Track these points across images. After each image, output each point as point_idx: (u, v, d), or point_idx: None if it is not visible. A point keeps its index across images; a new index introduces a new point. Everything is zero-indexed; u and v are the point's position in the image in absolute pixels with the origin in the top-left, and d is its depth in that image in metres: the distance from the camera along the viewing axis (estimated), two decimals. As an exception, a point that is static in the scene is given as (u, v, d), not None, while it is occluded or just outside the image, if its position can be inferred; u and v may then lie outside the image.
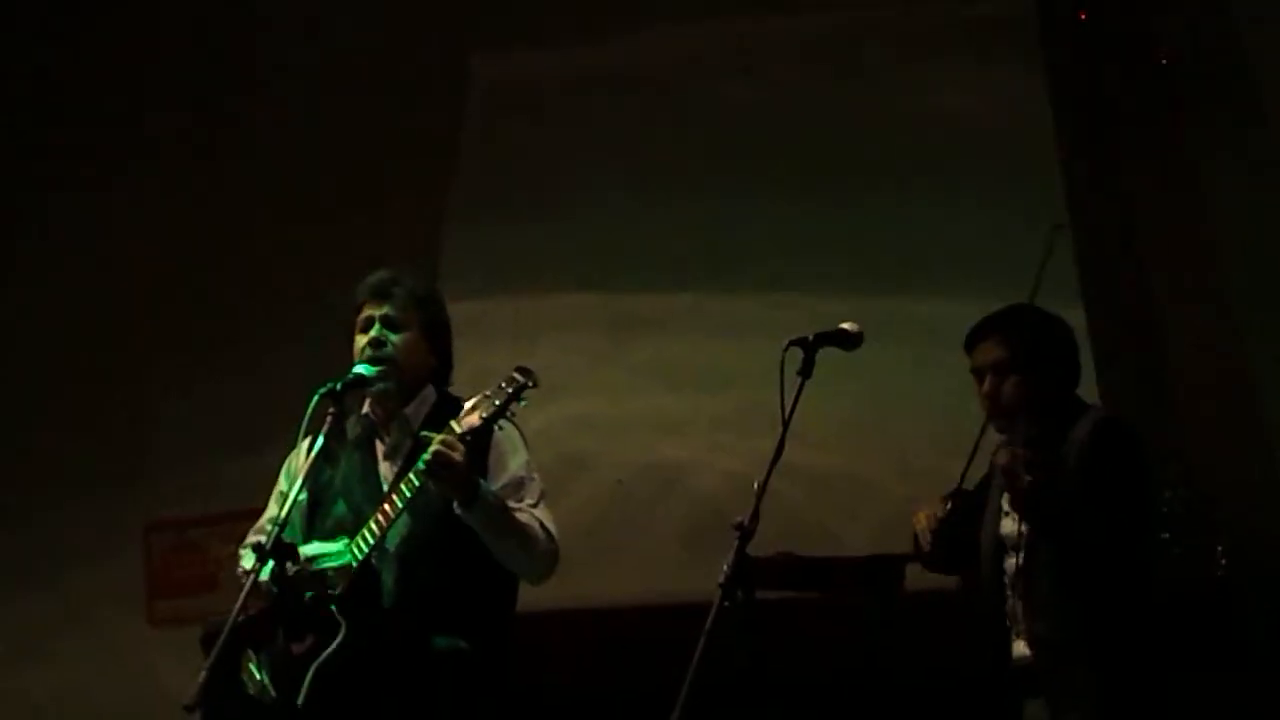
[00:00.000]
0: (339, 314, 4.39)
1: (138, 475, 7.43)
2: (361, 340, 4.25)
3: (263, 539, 3.96)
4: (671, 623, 3.98)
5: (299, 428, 4.08)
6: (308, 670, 4.01)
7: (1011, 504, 4.09)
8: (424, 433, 4.13)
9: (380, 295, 4.28)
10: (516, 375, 4.19)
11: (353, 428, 4.29)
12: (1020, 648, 4.08)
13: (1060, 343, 4.21)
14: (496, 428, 4.14)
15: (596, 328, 6.98)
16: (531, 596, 6.39)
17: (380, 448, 4.27)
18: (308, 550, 4.09)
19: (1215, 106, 6.71)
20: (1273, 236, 6.54)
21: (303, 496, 4.18)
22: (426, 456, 4.02)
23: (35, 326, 7.77)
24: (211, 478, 7.09)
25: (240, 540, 4.32)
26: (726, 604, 3.68)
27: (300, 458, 4.21)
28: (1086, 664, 3.95)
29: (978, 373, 4.20)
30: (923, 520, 4.21)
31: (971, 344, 4.23)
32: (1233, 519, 6.14)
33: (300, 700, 3.98)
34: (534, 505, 4.27)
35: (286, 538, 4.07)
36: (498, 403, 4.13)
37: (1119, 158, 6.78)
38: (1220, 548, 6.02)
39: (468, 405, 4.13)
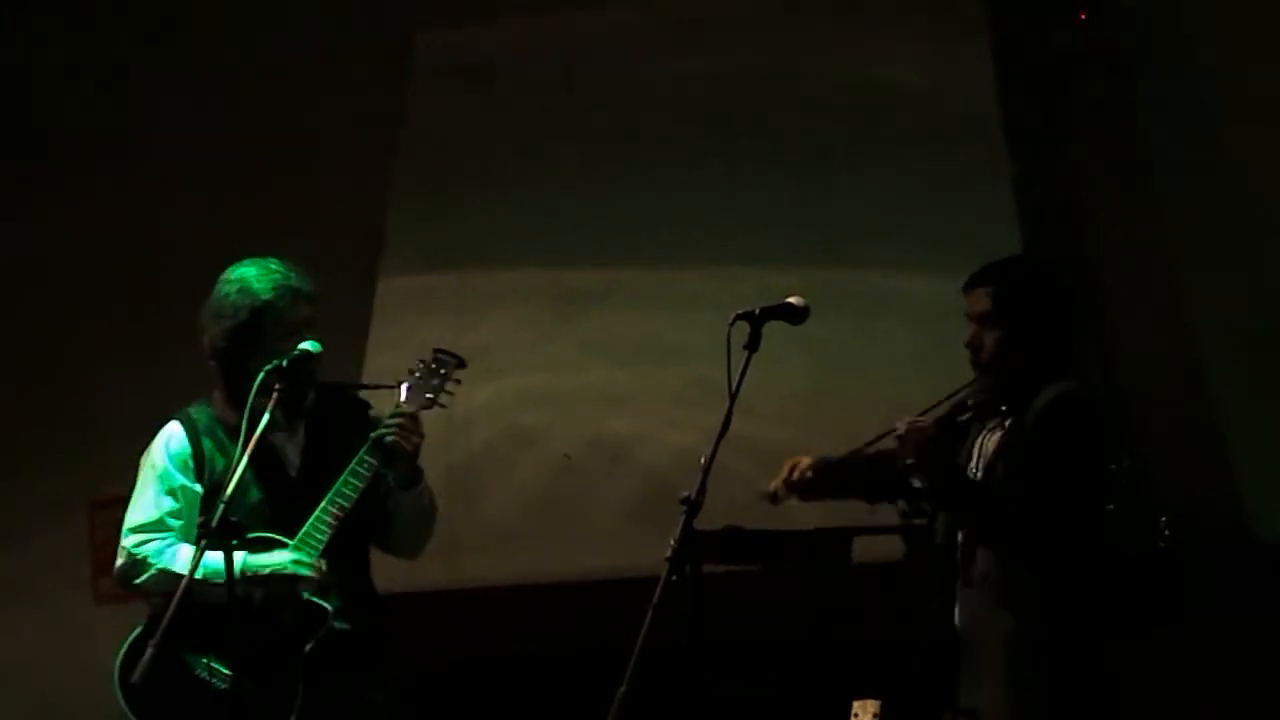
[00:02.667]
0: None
1: (82, 452, 7.38)
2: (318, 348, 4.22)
3: (206, 519, 3.93)
4: (619, 597, 3.99)
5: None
6: (286, 657, 4.00)
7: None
8: (376, 415, 4.19)
9: (311, 298, 4.26)
10: (441, 357, 4.26)
11: (229, 414, 4.24)
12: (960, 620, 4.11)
13: (1048, 301, 4.17)
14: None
15: (543, 302, 6.96)
16: (479, 571, 6.44)
17: (275, 436, 4.22)
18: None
19: (1160, 79, 6.75)
20: (1219, 209, 6.59)
21: (197, 486, 4.18)
22: (391, 438, 4.08)
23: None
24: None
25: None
26: (674, 578, 3.68)
27: (182, 446, 4.20)
28: (1001, 639, 3.97)
29: (969, 319, 4.20)
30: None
31: (966, 290, 4.23)
32: (1177, 490, 6.19)
33: (300, 689, 3.98)
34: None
35: (176, 524, 4.12)
36: (429, 393, 4.22)
37: (1065, 129, 6.80)
38: (1164, 519, 6.07)
39: (404, 391, 4.16)
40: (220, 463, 4.20)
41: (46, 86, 7.77)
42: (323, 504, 4.10)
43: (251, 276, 4.22)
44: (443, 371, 4.26)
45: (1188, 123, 6.66)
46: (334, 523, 4.08)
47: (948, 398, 4.21)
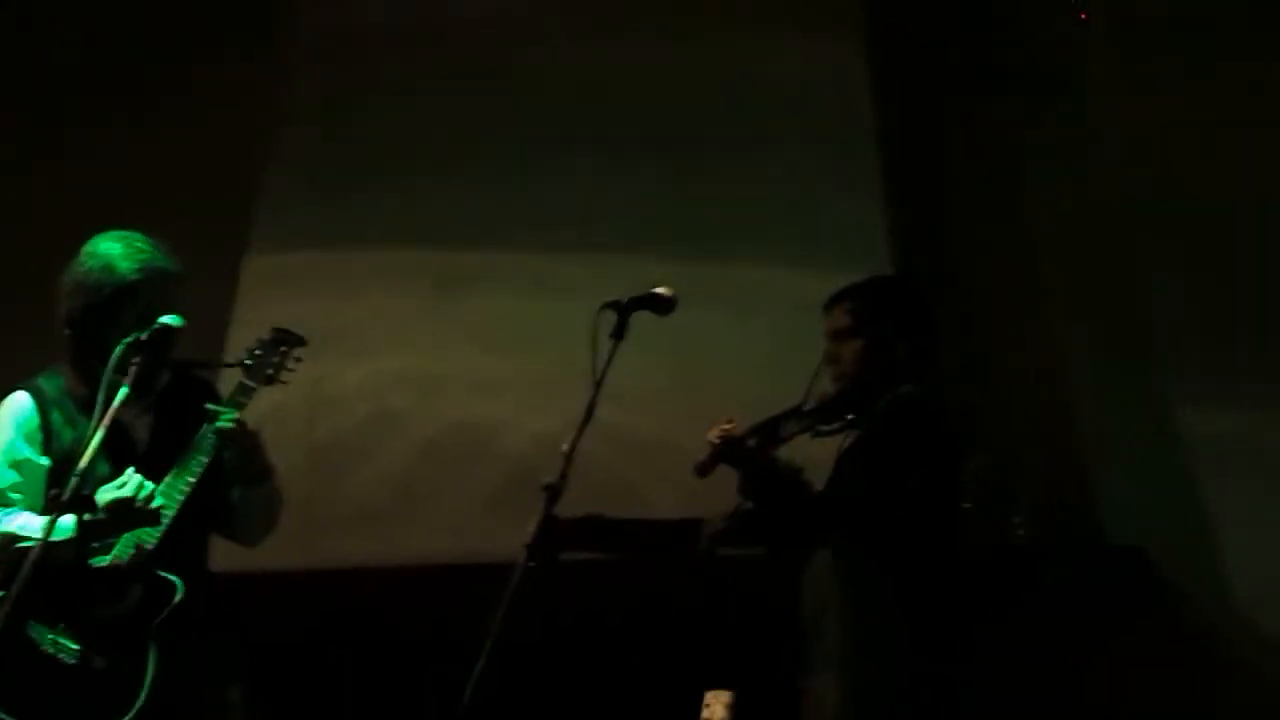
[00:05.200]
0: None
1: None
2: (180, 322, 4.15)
3: (58, 491, 3.86)
4: (478, 582, 3.98)
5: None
6: (135, 632, 3.94)
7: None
8: (210, 406, 4.08)
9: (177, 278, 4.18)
10: (280, 335, 4.22)
11: (76, 386, 4.14)
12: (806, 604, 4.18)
13: (906, 314, 4.28)
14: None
15: (414, 286, 6.92)
16: (340, 552, 6.40)
17: (122, 411, 4.08)
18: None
19: (1036, 91, 6.85)
20: (1084, 214, 6.70)
21: (43, 460, 4.11)
22: (225, 427, 4.02)
23: None
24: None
25: None
26: (531, 564, 3.69)
27: (29, 417, 4.13)
28: (841, 634, 4.04)
29: (827, 337, 4.28)
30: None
31: (825, 310, 4.33)
32: (1032, 490, 6.29)
33: (151, 662, 3.92)
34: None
35: (23, 503, 4.05)
36: (269, 370, 4.16)
37: (937, 132, 6.89)
38: (1017, 519, 6.17)
39: (243, 374, 4.12)
40: (69, 435, 4.12)
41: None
42: (160, 491, 4.03)
43: (117, 254, 4.11)
44: (282, 349, 4.21)
45: (1063, 132, 6.77)
46: (174, 511, 4.01)
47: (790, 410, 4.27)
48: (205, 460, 4.04)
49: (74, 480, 3.77)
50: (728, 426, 4.14)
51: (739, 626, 5.58)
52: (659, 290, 4.04)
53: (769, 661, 4.20)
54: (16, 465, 4.13)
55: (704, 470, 4.17)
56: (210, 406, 4.08)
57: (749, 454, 4.13)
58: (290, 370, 4.22)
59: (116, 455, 4.08)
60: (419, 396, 6.77)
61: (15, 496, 4.10)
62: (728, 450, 4.11)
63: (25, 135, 7.32)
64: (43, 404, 4.13)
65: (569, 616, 3.75)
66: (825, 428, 4.24)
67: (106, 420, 3.85)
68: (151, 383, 4.15)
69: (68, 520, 3.86)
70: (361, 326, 6.82)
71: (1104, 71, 6.70)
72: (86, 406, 3.97)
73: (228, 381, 4.23)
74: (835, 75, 6.82)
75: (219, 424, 4.04)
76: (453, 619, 4.77)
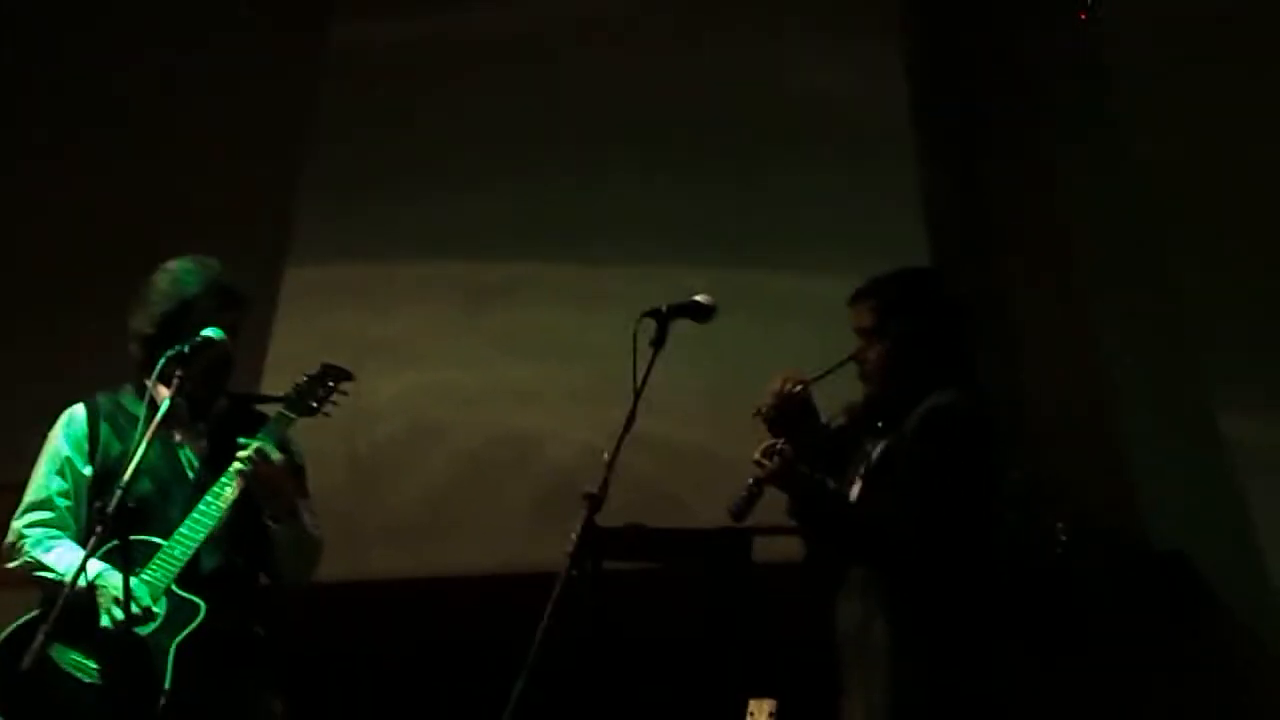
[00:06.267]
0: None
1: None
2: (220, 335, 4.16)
3: (102, 504, 3.88)
4: (520, 592, 3.98)
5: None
6: (155, 651, 3.94)
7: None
8: (241, 439, 4.10)
9: (233, 303, 4.22)
10: (329, 370, 4.26)
11: (132, 404, 4.19)
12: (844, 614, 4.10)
13: (932, 313, 4.11)
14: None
15: (452, 297, 6.94)
16: (384, 565, 6.41)
17: (177, 434, 4.19)
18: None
19: (1069, 93, 6.82)
20: (1123, 224, 6.67)
21: (87, 470, 4.15)
22: (241, 466, 4.03)
23: None
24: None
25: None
26: (574, 573, 3.69)
27: (80, 427, 4.18)
28: (878, 648, 3.98)
29: (855, 333, 4.15)
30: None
31: (850, 304, 4.19)
32: (1074, 498, 6.26)
33: (168, 683, 3.93)
34: (312, 515, 4.27)
35: (70, 511, 4.10)
36: (313, 402, 4.20)
37: (977, 139, 6.87)
38: (1060, 525, 6.14)
39: (285, 406, 4.15)
40: (116, 448, 4.16)
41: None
42: (186, 520, 4.06)
43: (185, 271, 4.20)
44: (329, 383, 4.26)
45: (1099, 137, 6.74)
46: (196, 542, 4.03)
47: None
48: (227, 494, 4.05)
49: (117, 494, 3.80)
50: (784, 448, 4.02)
51: (781, 635, 5.56)
52: (699, 298, 4.03)
53: (811, 670, 4.18)
54: (63, 473, 4.19)
55: (748, 505, 4.05)
56: (241, 440, 4.10)
57: (802, 478, 4.02)
58: (333, 404, 4.26)
59: (164, 476, 4.12)
60: (459, 408, 6.78)
61: (61, 502, 4.17)
62: (782, 474, 4.01)
63: (73, 155, 7.39)
64: (94, 416, 4.20)
65: (612, 626, 3.75)
66: (875, 435, 4.16)
67: (149, 435, 3.88)
68: (203, 407, 4.19)
69: (97, 568, 3.90)
70: (401, 339, 6.84)
71: (1140, 74, 6.66)
72: (136, 421, 4.00)
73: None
74: (872, 82, 6.81)
75: (236, 460, 4.06)
76: (495, 629, 4.78)
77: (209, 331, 4.09)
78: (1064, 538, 6.11)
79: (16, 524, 4.19)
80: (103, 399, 4.26)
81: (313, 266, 7.04)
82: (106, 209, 7.30)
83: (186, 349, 4.02)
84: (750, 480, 4.03)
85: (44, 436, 4.30)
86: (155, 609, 3.99)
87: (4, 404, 7.06)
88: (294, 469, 4.22)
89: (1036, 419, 6.40)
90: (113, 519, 3.77)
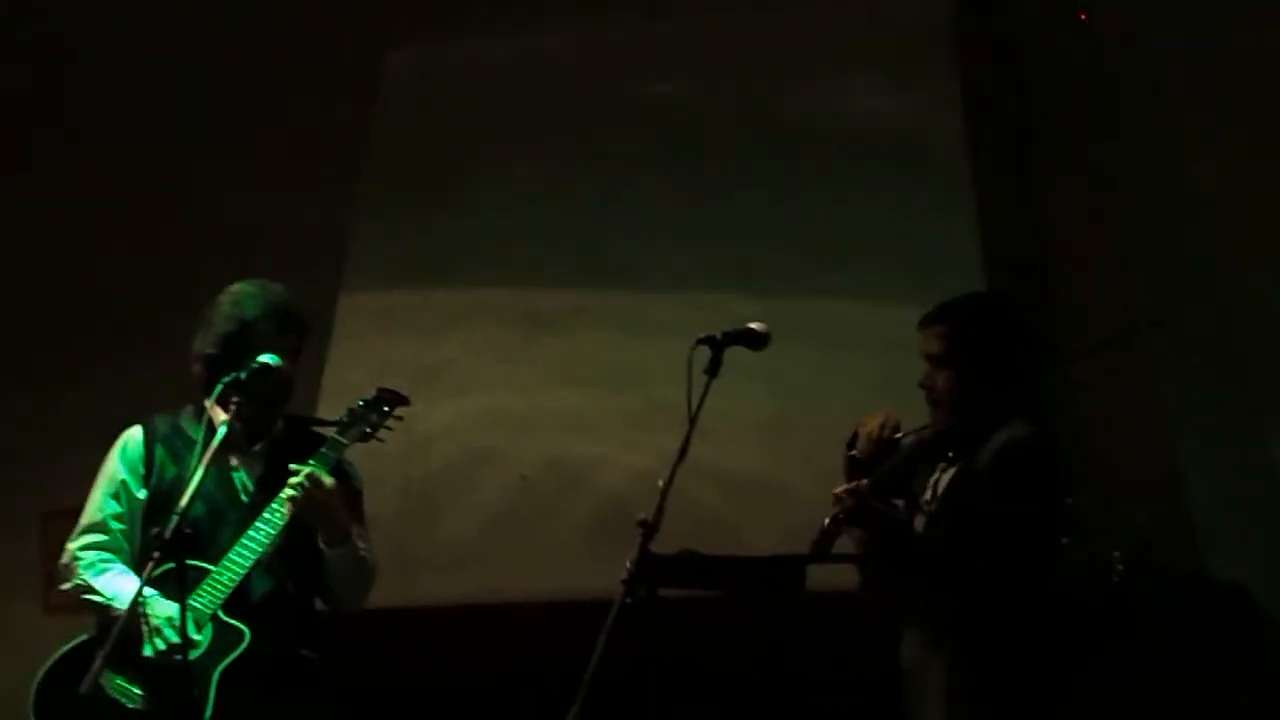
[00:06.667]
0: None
1: (36, 461, 7.33)
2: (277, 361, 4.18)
3: (159, 530, 3.90)
4: (575, 618, 3.98)
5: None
6: (199, 677, 3.96)
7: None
8: (293, 465, 4.10)
9: (291, 327, 4.25)
10: (385, 395, 4.28)
11: (191, 427, 4.22)
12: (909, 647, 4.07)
13: (1000, 341, 4.09)
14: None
15: (506, 323, 6.95)
16: (437, 591, 6.41)
17: (233, 458, 4.22)
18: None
19: (1128, 120, 6.79)
20: (1180, 245, 6.63)
21: (141, 493, 4.18)
22: (293, 493, 4.03)
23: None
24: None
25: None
26: (628, 600, 3.68)
27: (136, 450, 4.19)
28: (944, 678, 3.94)
29: (923, 358, 4.13)
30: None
31: (920, 328, 4.17)
32: (1130, 525, 6.21)
33: (209, 710, 3.95)
34: (371, 549, 4.28)
35: (125, 534, 4.11)
36: (367, 428, 4.22)
37: (1030, 158, 6.84)
38: (1117, 554, 6.09)
39: (334, 431, 4.15)
40: (171, 472, 4.17)
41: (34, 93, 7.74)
42: (235, 546, 4.07)
43: (247, 294, 4.24)
44: (384, 408, 4.26)
45: (1156, 163, 6.70)
46: (245, 568, 4.04)
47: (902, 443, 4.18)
48: (277, 519, 4.06)
49: (174, 520, 3.81)
50: (861, 486, 3.98)
51: (839, 665, 5.53)
52: (753, 325, 4.03)
53: (871, 701, 4.15)
54: (117, 496, 4.22)
55: (827, 542, 4.01)
56: (292, 466, 4.10)
57: (880, 515, 3.98)
58: (388, 429, 4.26)
59: (219, 500, 4.13)
60: (512, 434, 6.78)
61: (115, 525, 4.19)
62: (860, 513, 3.97)
63: (136, 185, 7.47)
64: (150, 439, 4.22)
65: (666, 653, 3.74)
66: (943, 463, 4.13)
67: (206, 459, 3.90)
68: (259, 430, 4.20)
69: (124, 588, 3.97)
70: (454, 365, 6.85)
71: (1196, 100, 6.62)
72: (193, 445, 4.02)
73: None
74: (928, 106, 6.78)
75: (287, 487, 4.06)
76: (548, 656, 4.78)
77: (265, 357, 4.11)
78: (1120, 567, 6.07)
79: (71, 546, 4.23)
80: (160, 421, 4.28)
81: (367, 292, 7.06)
82: (166, 236, 7.37)
83: (243, 375, 4.05)
84: (827, 519, 4.00)
85: (101, 460, 4.33)
86: (199, 636, 3.99)
87: (62, 428, 7.14)
88: (349, 494, 4.23)
89: (1092, 446, 6.34)
90: (169, 544, 3.78)
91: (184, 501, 3.83)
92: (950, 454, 4.09)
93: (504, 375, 6.89)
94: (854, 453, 4.17)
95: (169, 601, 3.95)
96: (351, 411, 4.30)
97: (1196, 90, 6.62)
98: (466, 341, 6.96)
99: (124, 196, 7.51)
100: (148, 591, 3.95)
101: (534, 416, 6.81)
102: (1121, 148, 6.76)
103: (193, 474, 3.88)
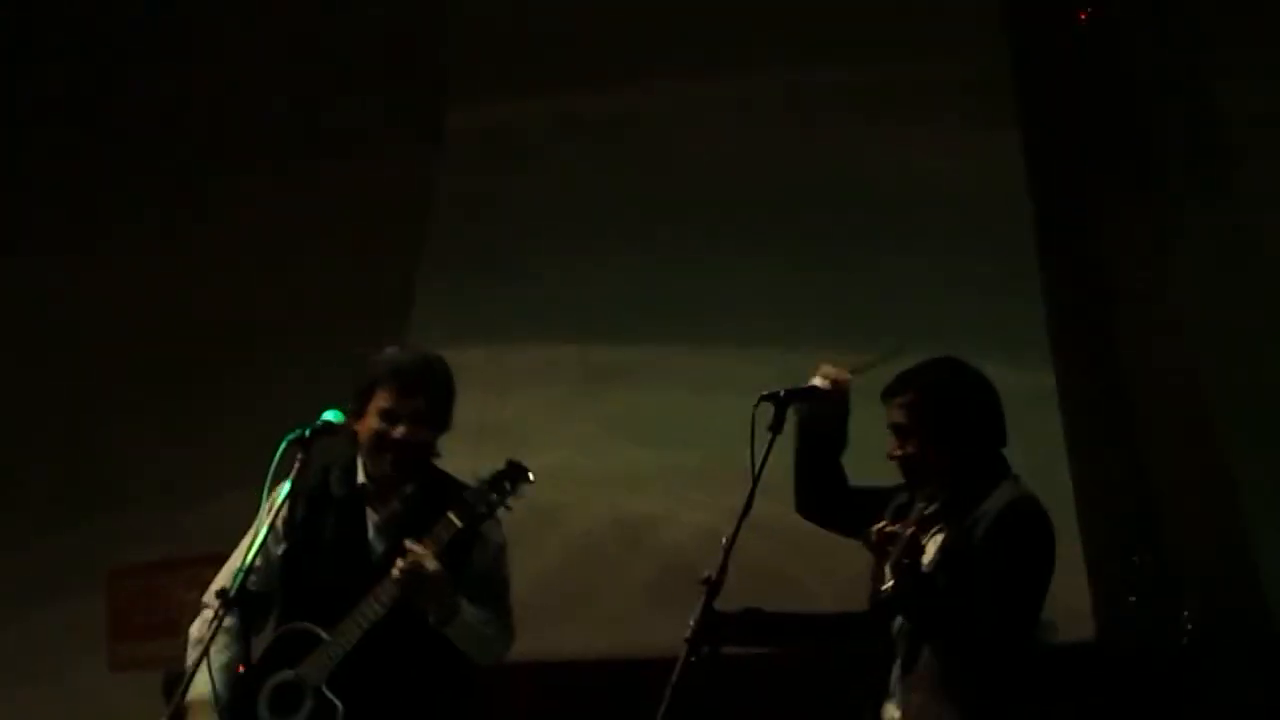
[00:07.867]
0: (306, 366, 4.33)
1: (102, 516, 7.39)
2: (385, 428, 4.18)
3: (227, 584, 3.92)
4: (638, 676, 3.97)
5: (265, 475, 4.07)
6: None
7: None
8: (408, 542, 4.05)
9: (417, 389, 4.22)
10: (510, 470, 4.20)
11: (337, 484, 4.24)
12: (891, 710, 4.03)
13: (970, 406, 4.08)
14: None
15: (567, 380, 6.97)
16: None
17: (371, 517, 4.23)
18: None
19: (1189, 176, 6.74)
20: (1242, 300, 6.57)
21: (280, 548, 4.18)
22: (396, 575, 4.01)
23: (7, 364, 7.74)
24: (176, 522, 7.05)
25: (204, 588, 4.25)
26: (692, 658, 3.66)
27: (285, 504, 4.18)
28: None
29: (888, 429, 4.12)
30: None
31: (883, 400, 4.16)
32: (1200, 584, 6.14)
33: None
34: (505, 609, 4.26)
35: (256, 587, 4.07)
36: (484, 508, 4.13)
37: (1094, 221, 6.80)
38: (1186, 613, 6.03)
39: (453, 510, 4.10)
40: (311, 527, 4.19)
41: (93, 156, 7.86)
42: (348, 617, 4.07)
43: (395, 355, 4.25)
44: (507, 484, 4.20)
45: (1223, 215, 6.64)
46: (353, 642, 4.04)
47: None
48: (384, 599, 4.04)
49: (238, 577, 3.82)
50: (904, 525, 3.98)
51: None
52: (817, 382, 4.03)
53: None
54: (258, 549, 4.19)
55: (896, 559, 3.96)
56: (407, 543, 4.05)
57: (913, 572, 3.94)
58: (508, 508, 4.20)
59: (348, 560, 4.13)
60: (574, 491, 6.78)
61: (250, 578, 4.11)
62: (912, 544, 3.93)
63: (198, 238, 7.56)
64: (295, 494, 4.17)
65: (731, 711, 3.72)
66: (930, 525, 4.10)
67: (269, 520, 3.91)
68: (387, 490, 4.18)
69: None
70: (516, 421, 6.86)
71: (1260, 161, 6.57)
72: (332, 502, 4.12)
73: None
74: (991, 166, 6.76)
75: (394, 569, 4.03)
76: (613, 714, 4.76)
77: (328, 415, 4.11)
78: (1190, 625, 6.00)
79: (206, 596, 4.21)
80: (314, 475, 4.25)
81: (430, 349, 7.08)
82: (225, 291, 7.44)
83: (307, 433, 4.05)
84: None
85: (154, 519, 4.34)
86: (299, 712, 4.00)
87: (210, 476, 7.17)
88: (477, 568, 4.18)
89: (1159, 504, 6.28)
90: (234, 602, 3.80)
91: (248, 559, 3.84)
92: (934, 515, 4.07)
93: (565, 432, 6.90)
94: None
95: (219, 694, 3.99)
96: (475, 489, 4.19)
97: (1271, 149, 6.56)
98: (529, 398, 6.98)
99: (188, 259, 7.60)
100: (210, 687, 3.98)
101: (596, 474, 6.82)
102: (1188, 208, 6.70)
103: (255, 535, 3.90)
